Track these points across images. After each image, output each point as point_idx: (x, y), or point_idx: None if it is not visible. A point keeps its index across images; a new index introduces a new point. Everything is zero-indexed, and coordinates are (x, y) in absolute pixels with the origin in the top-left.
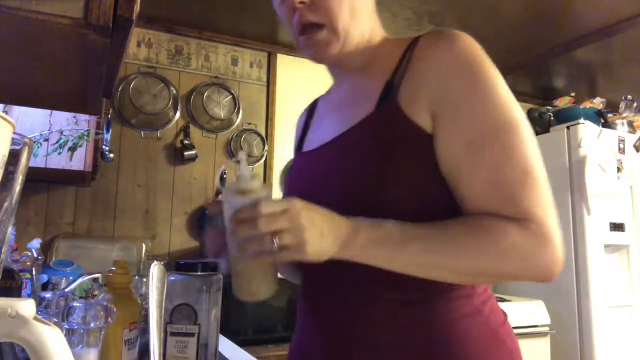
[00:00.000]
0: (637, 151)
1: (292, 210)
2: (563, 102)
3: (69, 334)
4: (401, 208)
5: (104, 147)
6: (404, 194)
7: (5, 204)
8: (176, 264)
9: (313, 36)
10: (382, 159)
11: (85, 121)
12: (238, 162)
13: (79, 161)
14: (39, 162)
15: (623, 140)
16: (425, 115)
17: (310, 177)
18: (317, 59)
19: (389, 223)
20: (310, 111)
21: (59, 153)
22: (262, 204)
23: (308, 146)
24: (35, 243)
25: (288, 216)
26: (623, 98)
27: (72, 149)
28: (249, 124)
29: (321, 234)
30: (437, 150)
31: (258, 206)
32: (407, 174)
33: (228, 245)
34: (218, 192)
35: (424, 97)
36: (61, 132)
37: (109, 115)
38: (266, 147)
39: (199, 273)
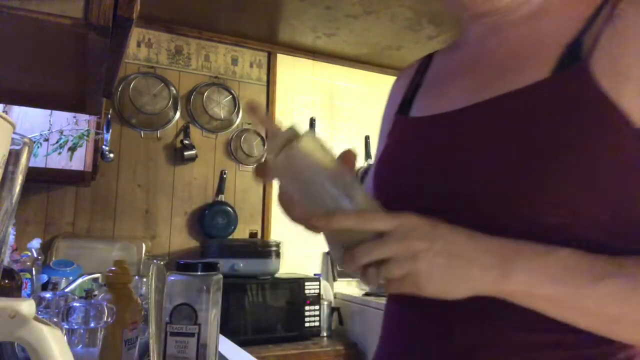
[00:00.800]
0: None
1: (399, 231)
2: None
3: (69, 334)
4: (567, 224)
5: (104, 147)
6: (583, 205)
7: (5, 204)
8: (176, 264)
9: None
10: (560, 147)
11: (85, 121)
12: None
13: (79, 161)
14: (39, 162)
15: None
16: (634, 98)
17: (425, 152)
18: (473, 6)
19: (562, 250)
20: (422, 68)
21: (59, 153)
22: (361, 218)
23: (421, 111)
24: (35, 243)
25: (394, 239)
26: None
27: (72, 149)
28: (249, 124)
29: (449, 263)
30: None
31: (357, 222)
32: (595, 175)
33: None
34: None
35: (635, 71)
36: (61, 132)
37: (109, 115)
38: (266, 147)
39: (199, 273)
